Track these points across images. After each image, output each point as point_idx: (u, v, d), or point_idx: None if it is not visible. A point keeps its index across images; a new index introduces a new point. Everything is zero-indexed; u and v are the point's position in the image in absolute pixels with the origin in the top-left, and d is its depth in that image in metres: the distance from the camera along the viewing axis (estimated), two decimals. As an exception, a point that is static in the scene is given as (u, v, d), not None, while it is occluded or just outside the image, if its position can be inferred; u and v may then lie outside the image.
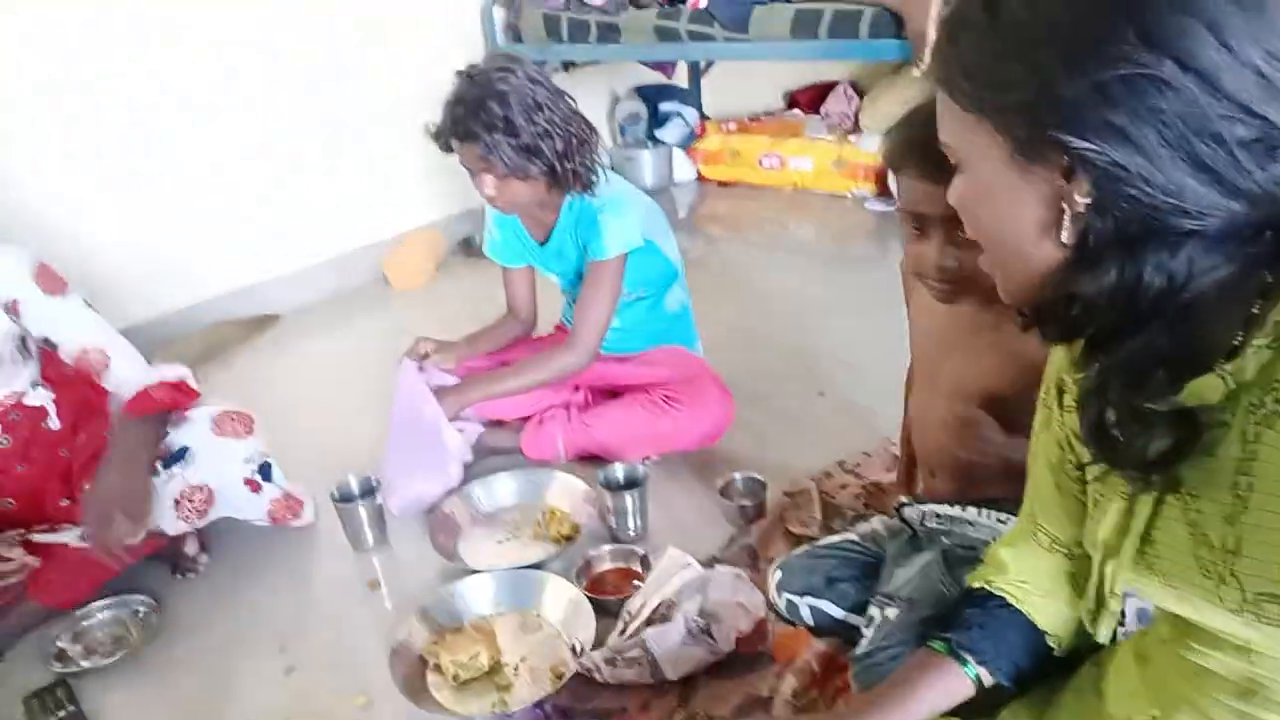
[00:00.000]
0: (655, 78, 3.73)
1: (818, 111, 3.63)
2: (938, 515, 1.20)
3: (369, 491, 1.57)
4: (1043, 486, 0.81)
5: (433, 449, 1.64)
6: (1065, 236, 0.57)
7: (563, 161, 1.55)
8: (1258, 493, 0.55)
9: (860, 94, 3.47)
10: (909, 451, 1.34)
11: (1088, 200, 0.54)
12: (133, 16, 2.31)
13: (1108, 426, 0.61)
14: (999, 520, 1.14)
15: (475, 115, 1.49)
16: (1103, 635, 0.69)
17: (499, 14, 3.12)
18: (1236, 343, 0.55)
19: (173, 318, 2.50)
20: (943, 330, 1.16)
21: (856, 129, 3.35)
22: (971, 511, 1.15)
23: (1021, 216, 0.59)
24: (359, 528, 1.55)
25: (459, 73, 1.57)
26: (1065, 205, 0.56)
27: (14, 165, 2.18)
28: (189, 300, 2.55)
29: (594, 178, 1.61)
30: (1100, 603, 0.71)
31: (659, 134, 3.66)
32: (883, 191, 3.15)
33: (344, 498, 1.55)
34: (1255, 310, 0.54)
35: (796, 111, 3.78)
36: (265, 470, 1.54)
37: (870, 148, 3.19)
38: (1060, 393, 0.76)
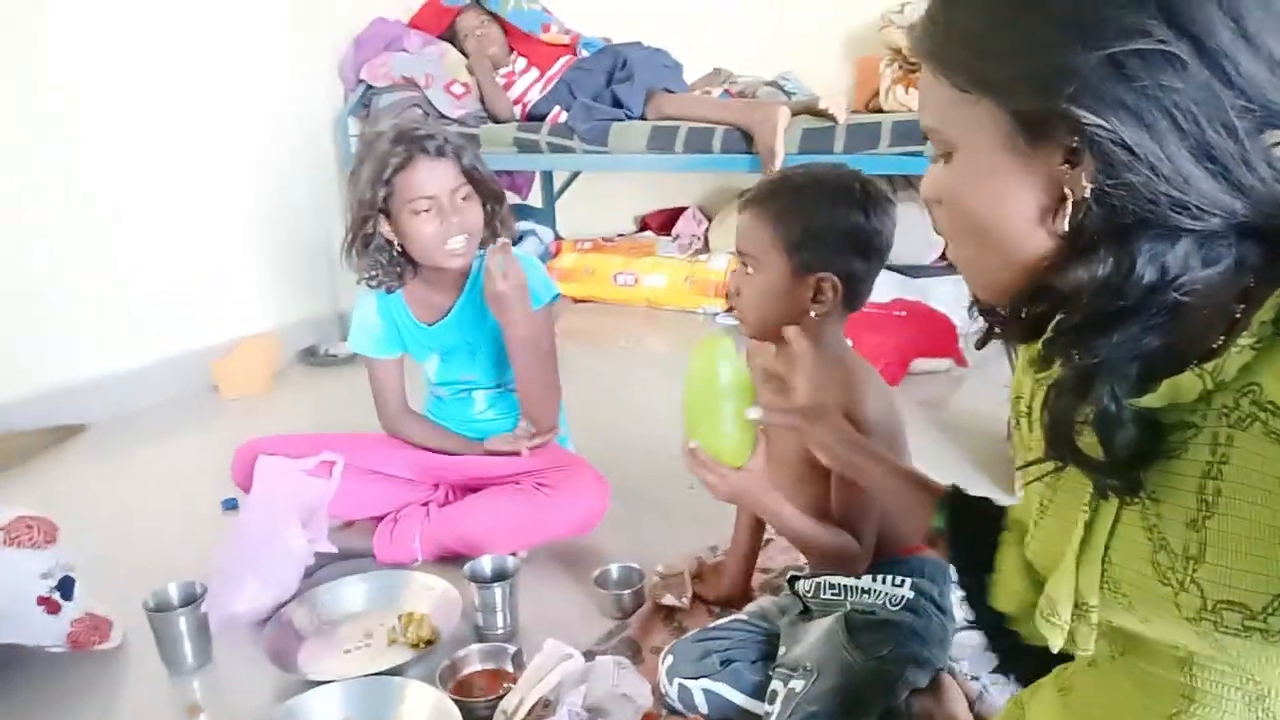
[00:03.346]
0: (510, 198, 3.77)
1: (668, 233, 3.77)
2: (832, 585, 1.17)
3: (190, 600, 1.35)
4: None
5: (270, 551, 1.45)
6: (1062, 224, 0.54)
7: (498, 201, 1.59)
8: (1226, 498, 0.53)
9: (709, 217, 3.64)
10: (742, 544, 1.40)
11: (1091, 185, 0.52)
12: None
13: (1073, 425, 0.58)
14: (895, 584, 1.12)
15: (445, 136, 1.51)
16: (1054, 646, 0.65)
17: (354, 124, 3.10)
18: (1216, 345, 0.54)
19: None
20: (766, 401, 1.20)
21: (706, 249, 3.50)
22: (866, 579, 1.13)
23: (1015, 203, 0.57)
24: (177, 643, 1.32)
25: (391, 126, 1.56)
26: (1068, 190, 0.54)
27: None
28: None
29: (504, 231, 1.63)
30: (1051, 615, 0.66)
31: (514, 250, 3.67)
32: (732, 307, 3.26)
33: (159, 607, 1.33)
34: (1237, 314, 0.54)
35: (648, 233, 3.92)
36: (66, 587, 1.31)
37: (719, 266, 3.32)
38: (1017, 398, 0.74)
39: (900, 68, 2.60)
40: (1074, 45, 0.50)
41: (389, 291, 1.64)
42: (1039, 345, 0.61)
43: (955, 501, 0.84)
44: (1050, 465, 0.64)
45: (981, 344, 0.73)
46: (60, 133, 2.34)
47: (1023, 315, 0.62)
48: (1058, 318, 0.58)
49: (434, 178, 1.49)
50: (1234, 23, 0.48)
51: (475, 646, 1.29)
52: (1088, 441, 0.58)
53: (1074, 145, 0.52)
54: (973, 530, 0.81)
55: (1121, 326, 0.54)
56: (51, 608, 1.27)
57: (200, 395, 2.69)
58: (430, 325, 1.67)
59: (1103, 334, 0.54)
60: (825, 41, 3.11)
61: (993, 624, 0.79)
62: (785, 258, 1.08)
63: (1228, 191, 0.50)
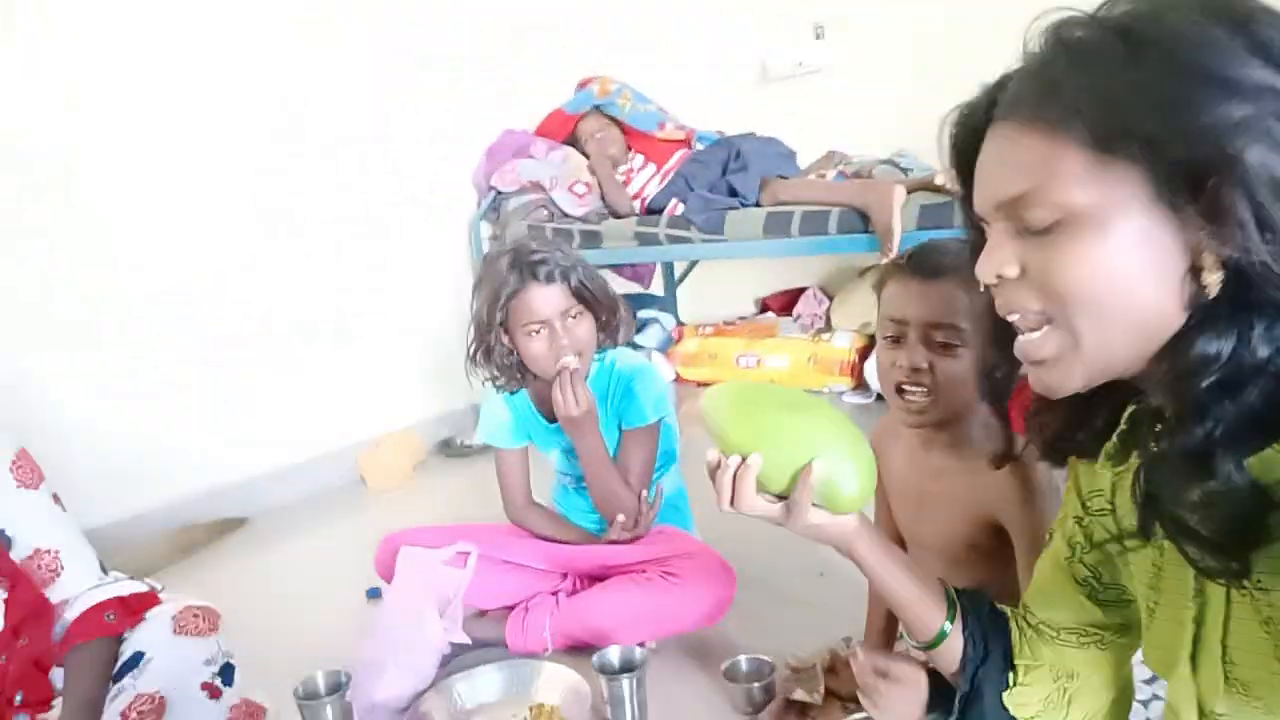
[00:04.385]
0: (633, 288, 3.89)
1: (790, 314, 3.77)
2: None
3: (336, 688, 1.42)
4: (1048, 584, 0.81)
5: (409, 640, 1.51)
6: (1207, 289, 0.53)
7: (611, 313, 1.67)
8: None
9: (830, 296, 3.62)
10: (877, 633, 1.36)
11: (1234, 250, 0.51)
12: (122, 209, 2.40)
13: (1182, 504, 0.55)
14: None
15: (552, 260, 1.58)
16: None
17: (485, 228, 3.29)
18: None
19: (135, 520, 2.37)
20: (916, 487, 1.17)
21: (828, 327, 3.47)
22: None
23: (1156, 267, 0.54)
24: (323, 730, 1.38)
25: (511, 244, 1.66)
26: (1208, 255, 0.53)
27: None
28: (155, 503, 2.44)
29: (622, 336, 1.72)
30: None
31: (638, 339, 3.75)
32: (858, 385, 3.20)
33: (308, 695, 1.40)
34: None
35: (770, 315, 3.93)
36: (227, 674, 1.39)
37: (843, 344, 3.29)
38: (1083, 504, 0.75)
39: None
40: (1220, 99, 0.50)
41: (511, 393, 1.73)
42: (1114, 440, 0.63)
43: (963, 605, 0.86)
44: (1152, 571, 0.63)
45: (1048, 457, 0.74)
46: (220, 230, 2.60)
47: (1083, 416, 0.63)
48: (1163, 398, 0.57)
49: (545, 303, 1.58)
50: None
51: (605, 742, 1.29)
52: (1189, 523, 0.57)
53: (1221, 203, 0.51)
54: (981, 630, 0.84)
55: (1240, 395, 0.52)
56: (214, 693, 1.35)
57: (349, 488, 2.86)
58: (553, 423, 1.73)
59: (1225, 403, 0.53)
60: (940, 116, 3.09)
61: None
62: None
63: None
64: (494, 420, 1.79)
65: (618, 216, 3.04)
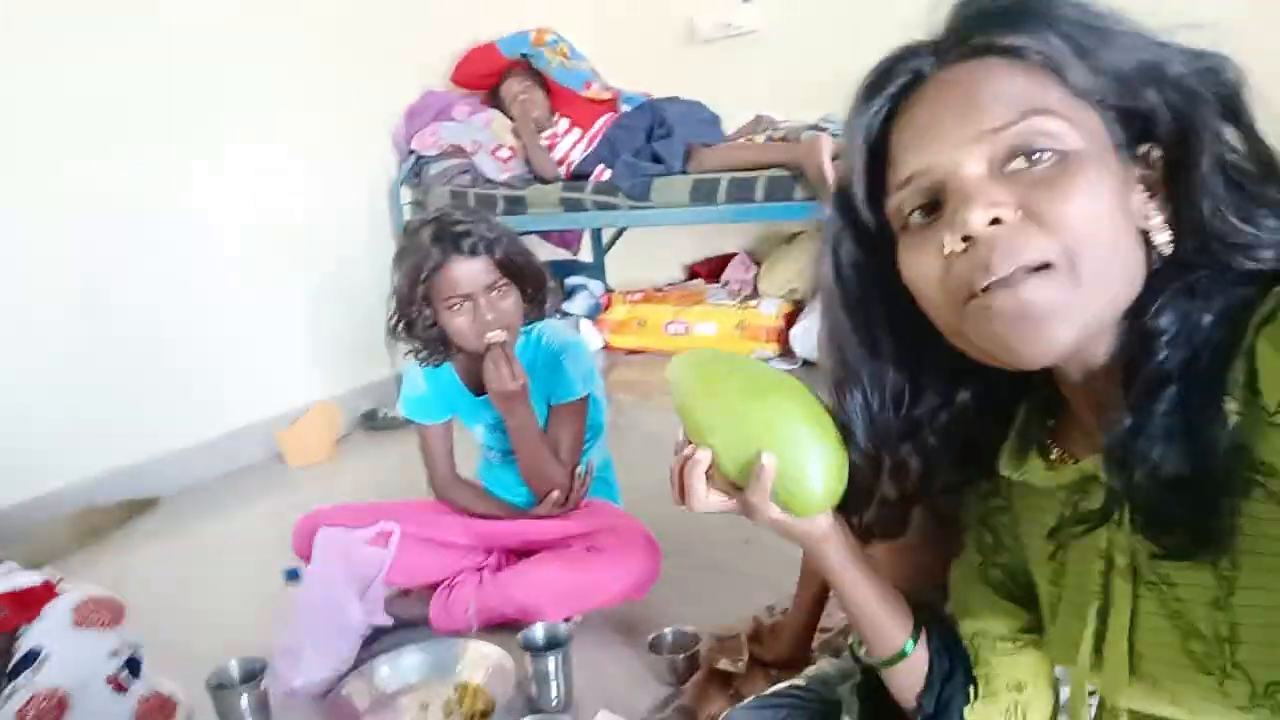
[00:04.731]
0: (561, 255, 3.83)
1: (718, 281, 3.77)
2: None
3: (252, 677, 1.37)
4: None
5: (328, 624, 1.48)
6: (1158, 249, 0.55)
7: (538, 285, 1.63)
8: (1244, 570, 0.51)
9: (758, 263, 3.63)
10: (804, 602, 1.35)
11: (1180, 212, 0.55)
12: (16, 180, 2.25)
13: (1146, 490, 0.53)
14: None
15: (476, 231, 1.53)
16: None
17: (406, 193, 3.19)
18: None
19: (35, 504, 2.25)
20: None
21: (756, 295, 3.48)
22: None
23: (1129, 220, 0.55)
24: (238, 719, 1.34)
25: (433, 214, 1.60)
26: (1157, 211, 0.56)
27: None
28: (57, 484, 2.32)
29: (548, 306, 1.69)
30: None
31: (566, 307, 3.71)
32: (784, 352, 3.23)
33: (221, 685, 1.35)
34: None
35: (698, 281, 3.93)
36: (134, 666, 1.34)
37: (770, 310, 3.30)
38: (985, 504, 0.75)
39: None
40: (1162, 54, 0.54)
41: (435, 366, 1.68)
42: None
43: (928, 619, 0.80)
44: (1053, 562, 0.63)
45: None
46: (122, 205, 2.46)
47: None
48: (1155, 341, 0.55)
49: (468, 277, 1.53)
50: None
51: (528, 718, 1.28)
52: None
53: (1169, 160, 0.54)
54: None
55: (1196, 362, 0.53)
56: (119, 687, 1.30)
57: (267, 465, 2.77)
58: (480, 396, 1.69)
59: (1183, 369, 0.53)
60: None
61: None
62: None
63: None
64: (414, 394, 1.74)
65: (543, 182, 2.97)
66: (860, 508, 0.74)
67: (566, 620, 1.53)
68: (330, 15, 2.91)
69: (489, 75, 3.26)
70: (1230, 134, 0.54)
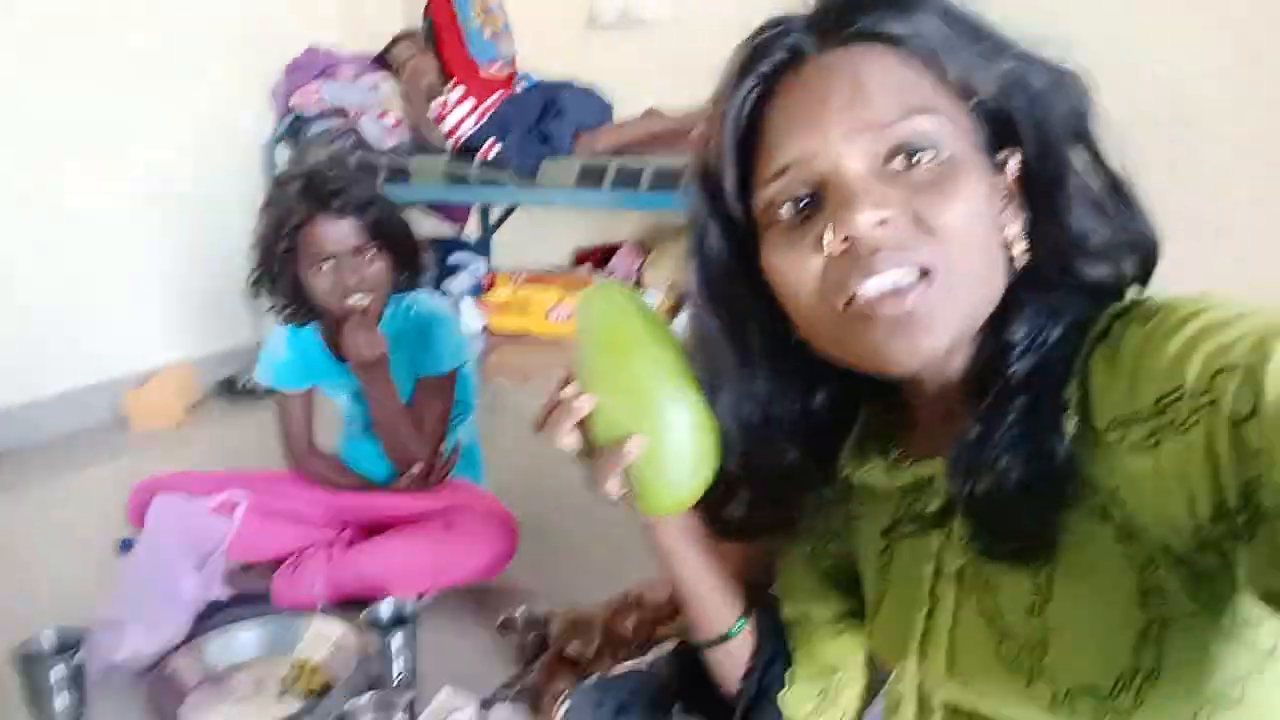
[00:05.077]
0: (445, 232, 3.74)
1: (604, 268, 3.77)
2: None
3: (67, 648, 1.28)
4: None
5: (158, 595, 1.40)
6: (1015, 261, 0.55)
7: (411, 253, 1.59)
8: (1060, 582, 0.52)
9: (646, 253, 3.65)
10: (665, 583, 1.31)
11: (1034, 222, 0.55)
12: None
13: (984, 495, 0.54)
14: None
15: (348, 191, 1.48)
16: None
17: (282, 152, 3.04)
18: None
19: None
20: None
21: (640, 285, 3.50)
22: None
23: (996, 227, 0.55)
24: (45, 694, 1.24)
25: (306, 168, 1.55)
26: (1012, 221, 0.56)
27: None
28: None
29: (421, 275, 1.65)
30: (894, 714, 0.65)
31: (447, 285, 3.63)
32: (666, 343, 3.26)
33: (32, 654, 1.25)
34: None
35: (585, 267, 3.91)
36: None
37: (651, 301, 3.33)
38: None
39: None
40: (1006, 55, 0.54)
41: (299, 325, 1.61)
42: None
43: (756, 603, 0.81)
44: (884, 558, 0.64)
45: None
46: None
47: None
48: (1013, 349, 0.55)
49: (335, 236, 1.48)
50: None
51: (368, 696, 1.24)
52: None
53: (1028, 170, 0.55)
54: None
55: (1045, 374, 0.53)
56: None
57: (111, 428, 2.60)
58: (344, 362, 1.63)
59: (1032, 380, 0.54)
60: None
61: None
62: None
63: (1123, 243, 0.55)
64: (275, 359, 1.67)
65: (429, 153, 2.89)
66: (721, 509, 0.73)
67: (419, 598, 1.50)
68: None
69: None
70: (1081, 151, 0.55)
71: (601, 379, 0.68)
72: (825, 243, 0.53)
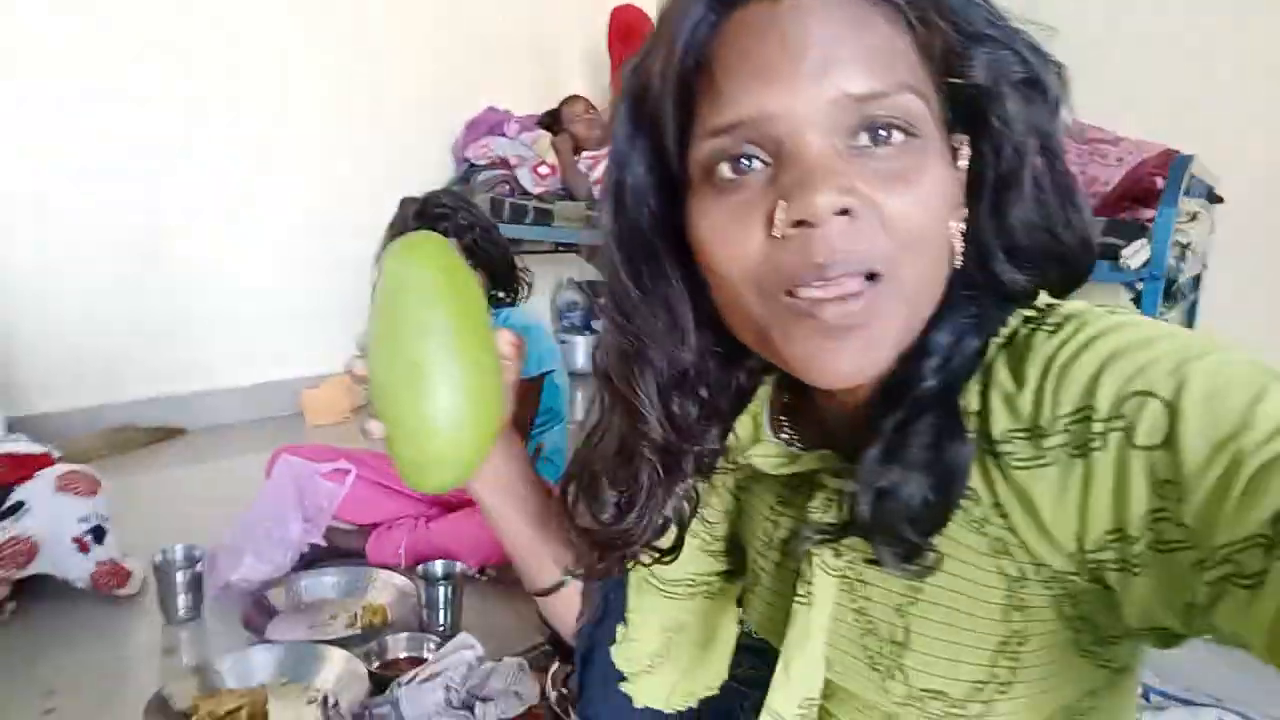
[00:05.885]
0: (590, 274, 4.03)
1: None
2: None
3: (193, 562, 1.59)
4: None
5: (269, 534, 1.68)
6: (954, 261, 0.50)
7: (507, 270, 1.85)
8: (929, 585, 0.51)
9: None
10: None
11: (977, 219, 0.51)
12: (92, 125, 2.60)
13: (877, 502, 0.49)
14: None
15: (453, 216, 1.77)
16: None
17: (456, 195, 3.46)
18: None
19: (77, 413, 2.57)
20: None
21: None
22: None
23: (953, 203, 0.49)
24: (172, 595, 1.55)
25: (424, 194, 1.88)
26: (954, 218, 0.49)
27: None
28: (98, 400, 2.64)
29: (519, 294, 1.91)
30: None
31: (595, 325, 3.90)
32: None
33: (163, 563, 1.57)
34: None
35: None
36: (99, 533, 1.57)
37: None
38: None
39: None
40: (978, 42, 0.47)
41: None
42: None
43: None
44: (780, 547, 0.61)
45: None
46: (191, 167, 2.80)
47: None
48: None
49: None
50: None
51: (404, 634, 1.45)
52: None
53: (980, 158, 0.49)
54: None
55: (955, 383, 0.50)
56: (83, 547, 1.53)
57: (289, 419, 3.04)
58: None
59: (942, 389, 0.50)
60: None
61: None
62: None
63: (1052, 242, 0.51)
64: None
65: (573, 200, 3.19)
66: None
67: (481, 570, 1.71)
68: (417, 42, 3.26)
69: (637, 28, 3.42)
70: (1040, 151, 0.49)
71: (371, 352, 0.63)
72: (777, 222, 0.45)
